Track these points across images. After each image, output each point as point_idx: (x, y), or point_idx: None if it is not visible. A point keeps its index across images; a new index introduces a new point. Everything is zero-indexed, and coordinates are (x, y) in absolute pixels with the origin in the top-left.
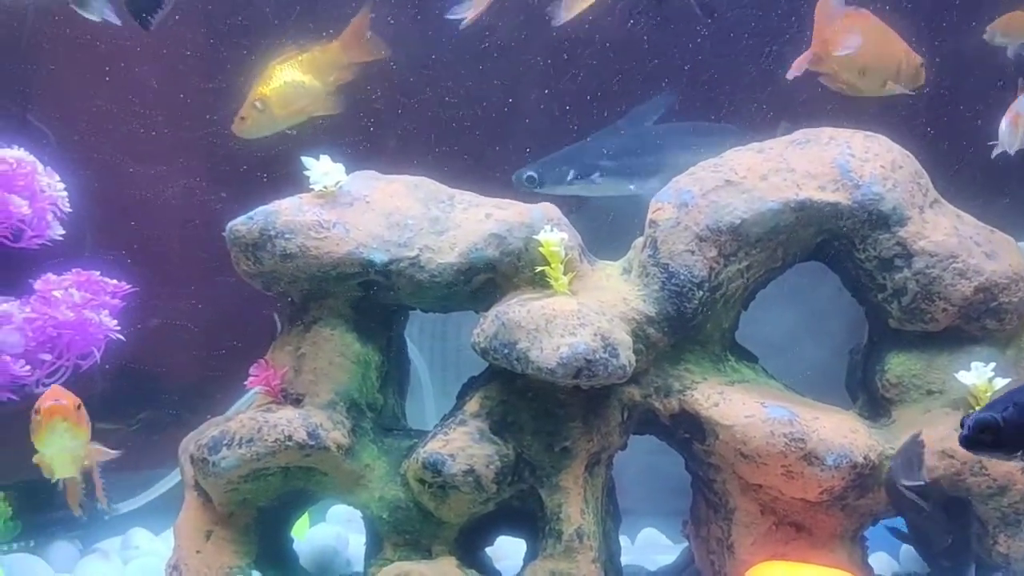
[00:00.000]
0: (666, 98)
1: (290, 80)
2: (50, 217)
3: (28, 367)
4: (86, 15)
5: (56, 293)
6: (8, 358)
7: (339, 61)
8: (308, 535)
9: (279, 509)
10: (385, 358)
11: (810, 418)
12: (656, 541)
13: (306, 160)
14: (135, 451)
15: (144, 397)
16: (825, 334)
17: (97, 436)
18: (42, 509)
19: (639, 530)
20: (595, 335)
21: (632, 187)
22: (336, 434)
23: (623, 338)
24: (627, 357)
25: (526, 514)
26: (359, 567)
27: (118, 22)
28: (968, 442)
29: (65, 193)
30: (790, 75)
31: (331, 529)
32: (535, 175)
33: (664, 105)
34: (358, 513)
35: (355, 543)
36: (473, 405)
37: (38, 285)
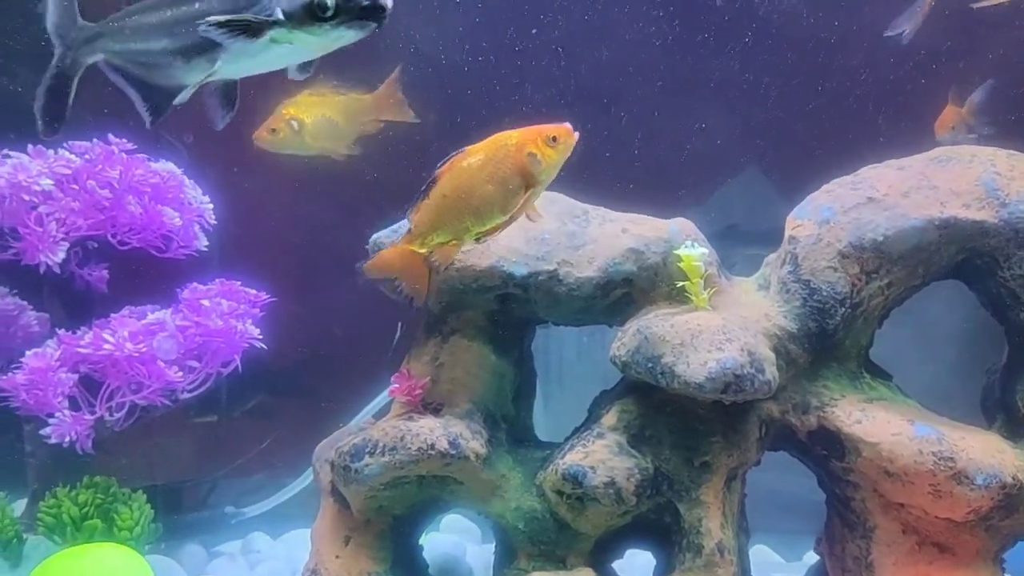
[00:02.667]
0: None
1: (329, 116)
2: (196, 228)
3: (180, 373)
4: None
5: (204, 302)
6: (163, 364)
7: (370, 113)
8: (428, 544)
9: (411, 517)
10: (518, 370)
11: (957, 438)
12: (768, 559)
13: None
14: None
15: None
16: (936, 352)
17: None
18: (172, 512)
19: (750, 547)
20: (742, 350)
21: None
22: (475, 444)
23: (768, 354)
24: (772, 373)
25: (659, 527)
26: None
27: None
28: None
29: (211, 206)
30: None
31: (449, 538)
32: None
33: None
34: (472, 524)
35: (472, 552)
36: (611, 418)
37: (185, 294)
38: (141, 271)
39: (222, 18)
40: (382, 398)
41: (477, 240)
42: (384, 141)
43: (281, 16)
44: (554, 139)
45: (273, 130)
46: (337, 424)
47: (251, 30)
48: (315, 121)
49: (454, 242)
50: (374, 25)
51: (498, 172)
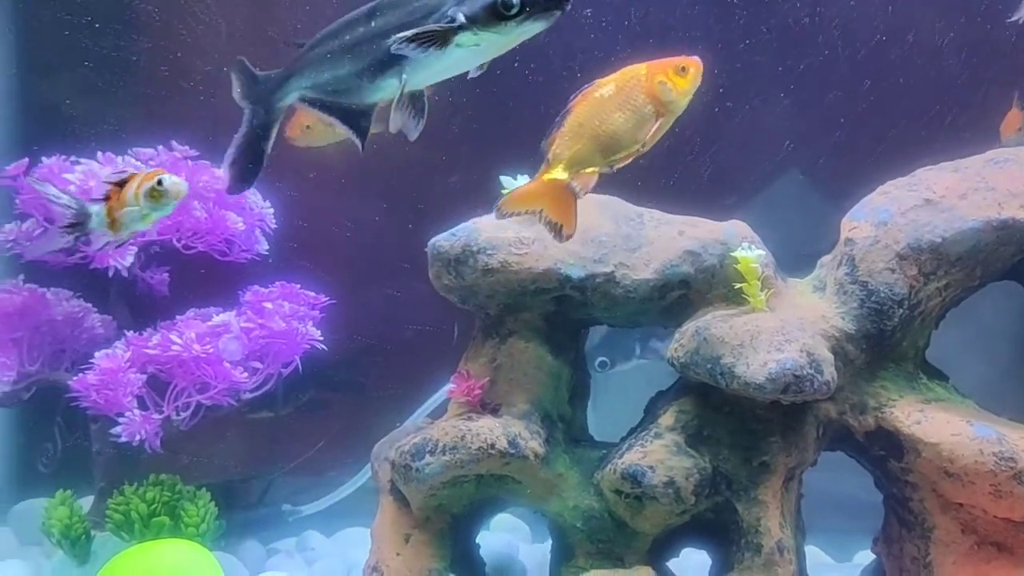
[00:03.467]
0: None
1: None
2: (257, 232)
3: (245, 373)
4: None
5: (267, 304)
6: (228, 365)
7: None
8: (482, 542)
9: (469, 515)
10: (574, 371)
11: (1016, 438)
12: (818, 559)
13: (504, 179)
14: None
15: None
16: (990, 353)
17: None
18: (232, 509)
19: None
20: (801, 351)
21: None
22: (533, 443)
23: (827, 355)
24: (831, 374)
25: (715, 526)
26: (535, 574)
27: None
28: None
29: (272, 210)
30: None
31: (503, 537)
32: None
33: None
34: (522, 523)
35: (523, 551)
36: (668, 419)
37: (247, 297)
38: (198, 274)
39: (409, 33)
40: (437, 397)
41: (612, 168)
42: (432, 144)
43: (464, 20)
44: (683, 69)
45: (308, 126)
46: (392, 423)
47: (439, 39)
48: None
49: (591, 170)
50: (559, 13)
51: (631, 100)
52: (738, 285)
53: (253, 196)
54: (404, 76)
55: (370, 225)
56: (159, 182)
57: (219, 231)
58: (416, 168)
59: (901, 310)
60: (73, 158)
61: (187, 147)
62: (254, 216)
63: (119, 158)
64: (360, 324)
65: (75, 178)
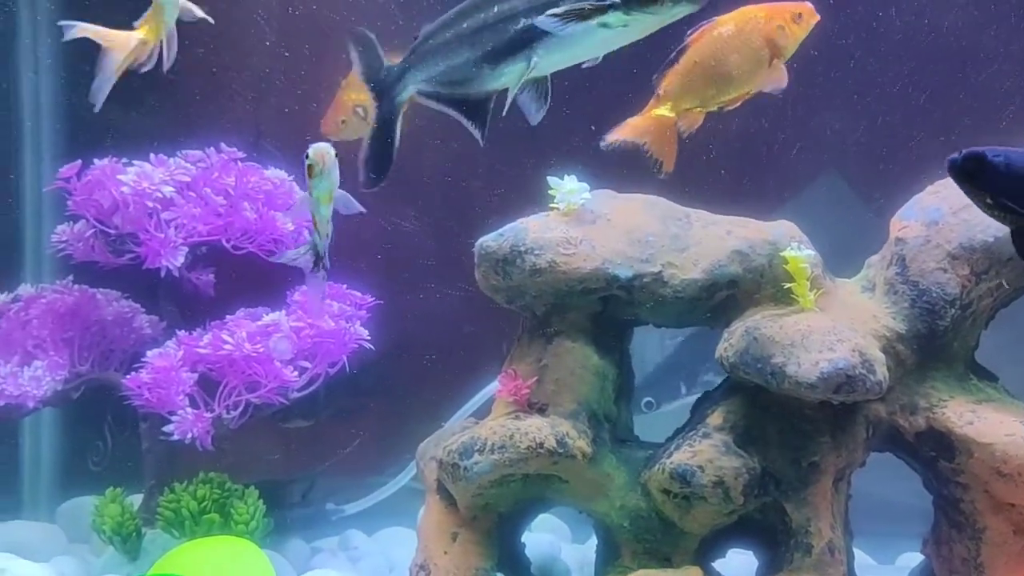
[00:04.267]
0: None
1: None
2: (306, 234)
3: (296, 372)
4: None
5: None
6: (279, 364)
7: None
8: (526, 541)
9: (516, 515)
10: (619, 371)
11: None
12: (861, 560)
13: (552, 180)
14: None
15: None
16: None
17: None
18: (275, 508)
19: None
20: (853, 351)
21: None
22: (581, 443)
23: (878, 355)
24: (883, 373)
25: (763, 527)
26: (577, 574)
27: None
28: (955, 168)
29: None
30: None
31: (545, 537)
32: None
33: None
34: (563, 523)
35: (566, 551)
36: (716, 419)
37: (297, 296)
38: (253, 274)
39: (562, 9)
40: (480, 397)
41: (719, 110)
42: (473, 151)
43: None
44: (800, 15)
45: (343, 120)
46: (427, 425)
47: (587, 17)
48: None
49: (699, 109)
50: None
51: (748, 42)
52: (787, 285)
53: (302, 196)
54: (534, 60)
55: (412, 226)
56: (305, 156)
57: (268, 231)
58: (460, 168)
59: (953, 310)
60: (125, 160)
61: (235, 149)
62: (302, 217)
63: (171, 160)
64: (403, 326)
65: (128, 179)
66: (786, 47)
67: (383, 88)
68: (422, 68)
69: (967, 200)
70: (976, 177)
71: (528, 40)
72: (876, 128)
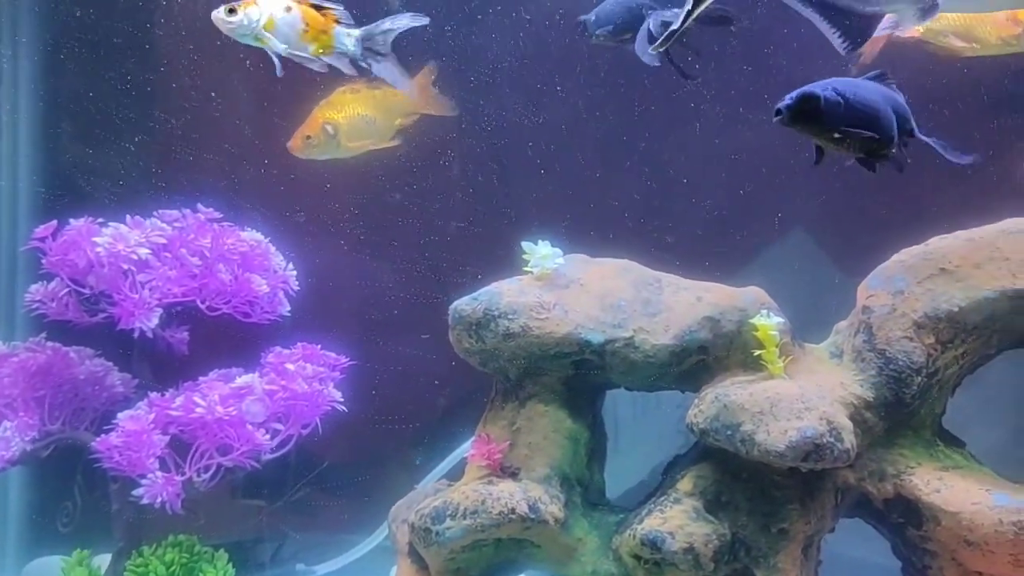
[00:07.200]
0: None
1: (363, 113)
2: (281, 295)
3: (267, 435)
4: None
5: (289, 366)
6: (251, 427)
7: (408, 107)
8: None
9: None
10: (592, 434)
11: None
12: None
13: (526, 245)
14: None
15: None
16: (997, 416)
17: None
18: (247, 568)
19: None
20: (821, 419)
21: None
22: (553, 508)
23: (846, 422)
24: (850, 441)
25: None
26: None
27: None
28: (792, 112)
29: (294, 273)
30: None
31: None
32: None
33: None
34: None
35: None
36: (687, 484)
37: (270, 358)
38: (228, 335)
39: None
40: (452, 459)
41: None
42: (457, 200)
43: None
44: None
45: (308, 137)
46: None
47: None
48: (351, 120)
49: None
50: None
51: None
52: (757, 352)
53: (277, 258)
54: None
55: (384, 285)
56: None
57: (243, 293)
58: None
59: (919, 378)
60: (101, 220)
61: (212, 210)
62: (278, 279)
63: (147, 221)
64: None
65: (103, 241)
66: None
67: None
68: None
69: (932, 270)
70: (816, 116)
71: None
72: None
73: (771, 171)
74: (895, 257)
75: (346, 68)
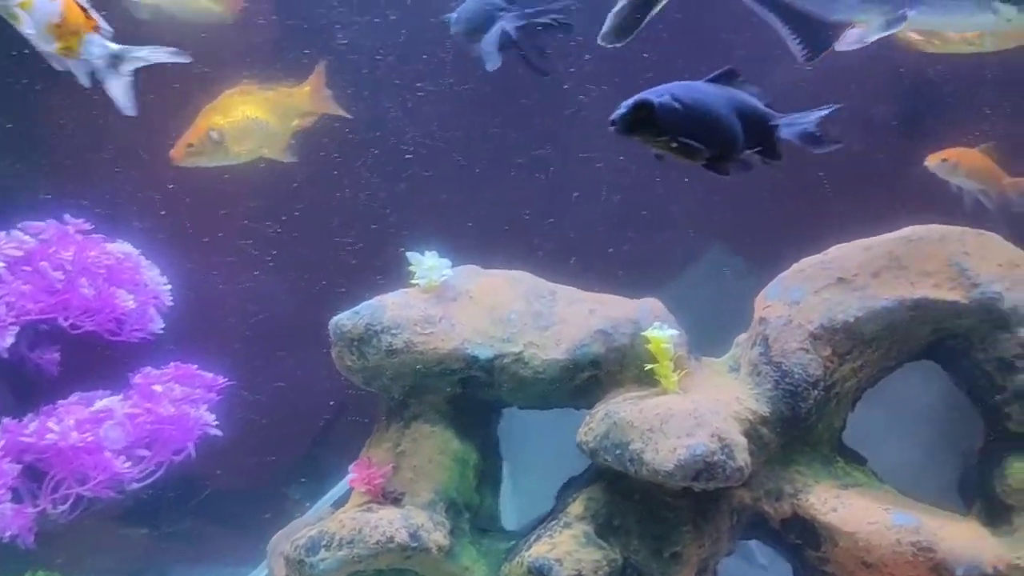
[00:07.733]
0: None
1: (255, 116)
2: (152, 311)
3: (128, 463)
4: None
5: (156, 387)
6: (110, 454)
7: (304, 107)
8: None
9: None
10: (482, 456)
11: (936, 526)
12: None
13: (411, 255)
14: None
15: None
16: (912, 434)
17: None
18: None
19: None
20: (712, 436)
21: None
22: (437, 535)
23: (740, 439)
24: (744, 459)
25: None
26: None
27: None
28: (627, 121)
29: (168, 287)
30: None
31: None
32: None
33: None
34: None
35: None
36: (578, 507)
37: (138, 379)
38: (96, 354)
39: None
40: (341, 486)
41: None
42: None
43: None
44: None
45: (190, 145)
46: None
47: None
48: (237, 124)
49: None
50: None
51: None
52: (649, 366)
53: (150, 272)
54: (909, 11)
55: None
56: None
57: (108, 309)
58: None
59: (815, 392)
60: None
61: (82, 220)
62: (148, 293)
63: (2, 233)
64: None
65: None
66: None
67: None
68: None
69: (830, 279)
70: (651, 124)
71: None
72: None
73: (683, 175)
74: (794, 266)
75: (82, 77)
